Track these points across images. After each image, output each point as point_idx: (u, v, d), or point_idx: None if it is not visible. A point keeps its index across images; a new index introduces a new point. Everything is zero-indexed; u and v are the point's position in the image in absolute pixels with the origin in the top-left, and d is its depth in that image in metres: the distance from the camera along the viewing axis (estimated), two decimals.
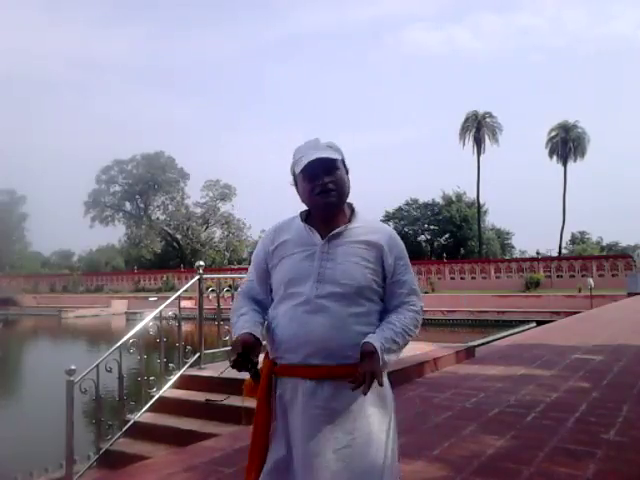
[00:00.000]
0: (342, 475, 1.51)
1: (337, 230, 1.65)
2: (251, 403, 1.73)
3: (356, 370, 1.51)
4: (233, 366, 1.59)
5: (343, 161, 1.70)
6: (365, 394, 1.49)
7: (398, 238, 1.75)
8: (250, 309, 1.73)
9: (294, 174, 1.70)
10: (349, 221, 1.69)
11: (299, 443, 1.57)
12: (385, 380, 1.64)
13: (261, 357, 1.70)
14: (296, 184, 1.71)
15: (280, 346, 1.63)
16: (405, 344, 1.67)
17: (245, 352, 1.57)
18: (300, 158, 1.65)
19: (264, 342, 1.69)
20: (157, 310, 5.28)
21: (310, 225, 1.68)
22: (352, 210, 1.73)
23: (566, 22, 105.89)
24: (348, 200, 1.73)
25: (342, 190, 1.67)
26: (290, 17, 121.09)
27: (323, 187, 1.62)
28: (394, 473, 1.61)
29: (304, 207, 1.75)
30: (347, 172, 1.72)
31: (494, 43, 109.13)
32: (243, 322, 1.67)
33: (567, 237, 62.01)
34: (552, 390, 5.01)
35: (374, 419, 1.59)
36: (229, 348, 4.80)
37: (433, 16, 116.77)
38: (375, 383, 1.50)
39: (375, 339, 1.57)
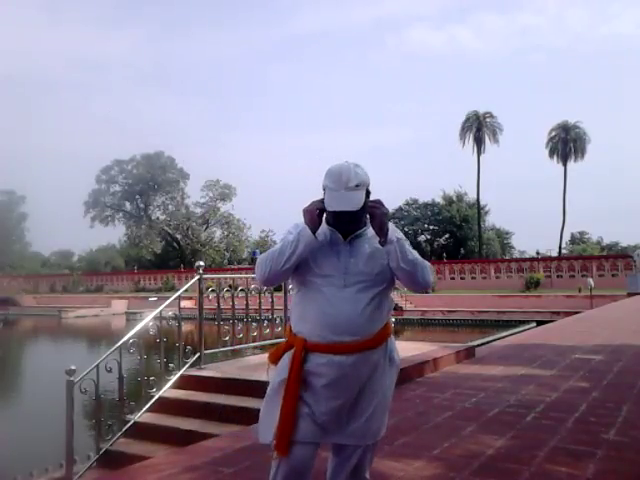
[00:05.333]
0: (376, 414, 2.02)
1: (356, 233, 2.01)
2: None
3: (373, 341, 1.95)
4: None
5: (367, 189, 1.97)
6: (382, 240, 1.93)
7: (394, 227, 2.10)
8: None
9: (325, 188, 1.99)
10: (365, 225, 2.04)
11: (333, 405, 1.93)
12: (396, 350, 2.11)
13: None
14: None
15: (315, 328, 1.93)
16: (414, 260, 1.97)
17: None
18: (332, 190, 1.93)
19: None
20: (157, 310, 5.28)
21: (333, 227, 2.02)
22: (366, 218, 2.05)
23: (567, 22, 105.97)
24: None
25: (358, 221, 1.99)
26: (291, 18, 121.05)
27: (343, 220, 1.96)
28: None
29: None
30: (368, 195, 1.99)
31: (496, 43, 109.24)
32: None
33: (567, 237, 62.07)
34: (552, 390, 5.01)
35: (388, 377, 2.07)
36: (230, 348, 4.85)
37: (435, 16, 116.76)
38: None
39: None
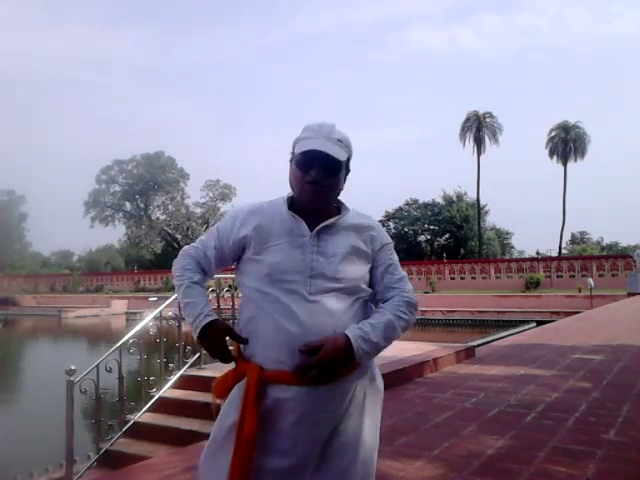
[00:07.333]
0: (354, 467, 1.51)
1: (328, 222, 1.54)
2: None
3: (352, 366, 1.48)
4: (224, 359, 1.53)
5: (348, 159, 1.58)
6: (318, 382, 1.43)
7: (381, 227, 1.71)
8: (200, 281, 1.65)
9: (293, 151, 1.57)
10: (339, 213, 1.59)
11: (305, 449, 1.48)
12: (377, 369, 1.64)
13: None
14: (291, 161, 1.58)
15: (272, 351, 1.47)
16: (393, 334, 1.54)
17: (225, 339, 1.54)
18: (308, 138, 1.52)
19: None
20: (157, 310, 5.28)
21: (295, 213, 1.55)
22: (341, 204, 1.64)
23: (568, 22, 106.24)
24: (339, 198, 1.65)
25: (333, 191, 1.57)
26: (292, 17, 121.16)
27: (315, 179, 1.50)
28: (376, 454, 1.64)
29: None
30: (348, 172, 1.61)
31: (497, 43, 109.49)
32: (203, 301, 1.60)
33: (567, 237, 62.19)
34: (552, 390, 5.00)
35: (371, 403, 1.59)
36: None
37: (436, 16, 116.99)
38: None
39: (355, 332, 1.47)
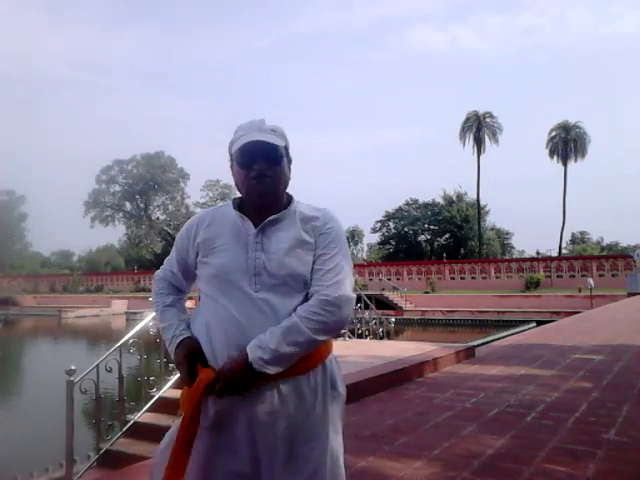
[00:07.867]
0: (322, 472, 1.47)
1: (272, 217, 1.51)
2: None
3: (303, 364, 1.45)
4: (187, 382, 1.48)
5: (287, 148, 1.58)
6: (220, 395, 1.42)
7: (337, 220, 1.59)
8: (173, 302, 1.66)
9: (231, 153, 1.57)
10: (285, 208, 1.56)
11: (263, 454, 1.45)
12: (339, 376, 1.57)
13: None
14: (232, 165, 1.59)
15: (221, 352, 1.45)
16: (299, 338, 1.43)
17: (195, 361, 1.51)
18: (242, 135, 1.52)
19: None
20: None
21: (243, 214, 1.54)
22: (290, 198, 1.60)
23: (569, 22, 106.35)
24: (287, 191, 1.61)
25: (279, 181, 1.54)
26: (293, 18, 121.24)
27: (259, 172, 1.49)
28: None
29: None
30: (290, 161, 1.59)
31: (497, 43, 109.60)
32: (175, 323, 1.59)
33: (567, 237, 62.25)
34: (552, 390, 5.00)
35: (330, 413, 1.52)
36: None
37: (437, 16, 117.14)
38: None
39: (253, 341, 1.42)
